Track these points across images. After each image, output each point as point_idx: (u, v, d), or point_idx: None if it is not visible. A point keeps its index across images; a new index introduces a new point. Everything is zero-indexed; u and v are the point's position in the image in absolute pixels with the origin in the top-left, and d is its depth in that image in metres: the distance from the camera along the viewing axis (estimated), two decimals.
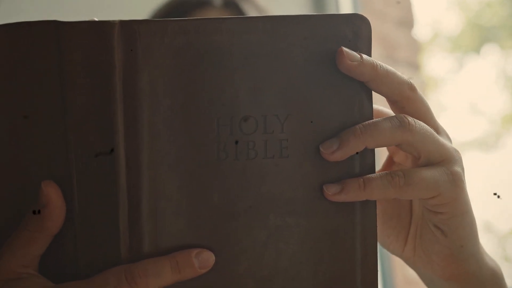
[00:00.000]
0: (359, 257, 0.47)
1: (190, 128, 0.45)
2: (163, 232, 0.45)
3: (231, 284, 0.46)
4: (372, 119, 0.46)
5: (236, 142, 0.46)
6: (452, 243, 0.48)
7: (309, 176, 0.46)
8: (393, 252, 0.53)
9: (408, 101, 0.48)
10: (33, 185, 0.46)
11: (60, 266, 0.46)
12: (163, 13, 0.96)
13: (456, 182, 0.47)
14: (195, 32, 0.45)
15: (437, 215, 0.48)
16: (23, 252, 0.45)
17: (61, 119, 0.45)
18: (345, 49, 0.45)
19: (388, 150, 0.53)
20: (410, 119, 0.46)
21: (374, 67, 0.46)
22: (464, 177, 0.47)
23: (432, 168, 0.47)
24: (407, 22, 1.58)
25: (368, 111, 0.47)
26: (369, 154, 0.47)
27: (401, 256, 0.53)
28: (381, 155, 0.55)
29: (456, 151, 0.48)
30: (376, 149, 0.47)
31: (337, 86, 0.46)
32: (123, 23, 0.44)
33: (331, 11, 1.40)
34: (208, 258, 0.46)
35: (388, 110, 0.51)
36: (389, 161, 0.54)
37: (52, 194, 0.45)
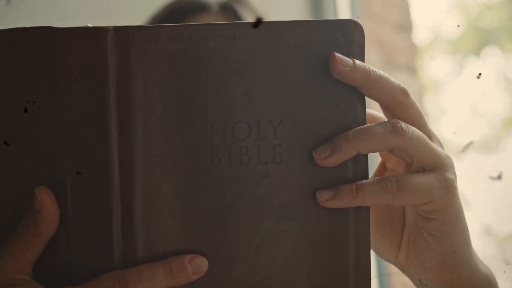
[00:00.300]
0: (352, 261, 0.47)
1: (184, 133, 0.46)
2: (157, 236, 0.46)
3: None
4: (365, 124, 0.47)
5: (229, 151, 0.46)
6: (444, 250, 0.48)
7: (303, 181, 0.46)
8: (386, 259, 0.53)
9: (400, 106, 0.48)
10: (28, 189, 0.46)
11: (53, 271, 0.46)
12: (160, 18, 0.96)
13: (448, 189, 0.47)
14: (189, 38, 0.45)
15: (429, 221, 0.48)
16: (17, 258, 0.45)
17: (56, 123, 0.45)
18: (337, 54, 0.46)
19: (381, 156, 0.54)
20: (403, 124, 0.46)
21: (366, 72, 0.46)
22: (456, 183, 0.48)
23: (424, 174, 0.47)
24: (405, 26, 1.58)
25: (361, 116, 0.47)
26: (362, 159, 0.47)
27: (394, 263, 0.53)
28: (375, 160, 0.55)
29: (448, 157, 0.48)
30: (369, 154, 0.48)
31: (330, 92, 0.46)
32: (117, 29, 0.45)
33: (329, 15, 1.41)
34: (201, 264, 0.46)
35: (382, 115, 0.51)
36: (382, 167, 0.54)
37: (46, 200, 0.45)
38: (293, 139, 0.46)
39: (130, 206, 0.45)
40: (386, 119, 0.49)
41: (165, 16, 0.96)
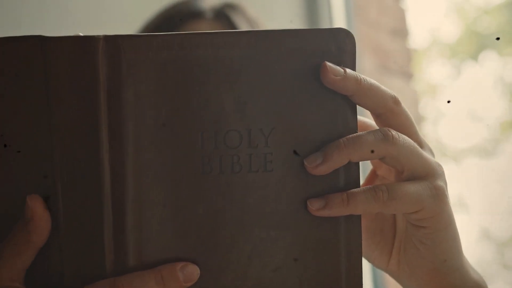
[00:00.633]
0: (344, 269, 0.47)
1: (175, 141, 0.46)
2: (148, 244, 0.46)
3: None
4: (357, 132, 0.47)
5: (220, 159, 0.46)
6: (435, 257, 0.49)
7: (294, 190, 0.47)
8: (378, 267, 0.53)
9: (392, 115, 0.48)
10: (19, 197, 0.46)
11: (45, 279, 0.47)
12: (154, 25, 0.96)
13: (439, 197, 0.47)
14: (180, 47, 0.45)
15: (420, 229, 0.48)
16: (8, 265, 0.46)
17: (47, 131, 0.45)
18: (328, 63, 0.46)
19: (372, 163, 0.54)
20: (394, 132, 0.46)
21: (357, 81, 0.46)
22: (447, 191, 0.48)
23: (415, 183, 0.47)
24: (401, 31, 1.58)
25: (352, 125, 0.47)
26: (353, 168, 0.47)
27: (386, 270, 0.53)
28: (367, 167, 0.55)
29: (439, 165, 0.48)
30: (361, 162, 0.48)
31: (322, 100, 0.47)
32: (107, 38, 0.45)
33: (324, 21, 1.40)
34: (193, 272, 0.46)
35: (373, 122, 0.51)
36: (373, 174, 0.54)
37: (37, 208, 0.45)
38: (284, 148, 0.46)
39: (121, 214, 0.45)
40: (377, 127, 0.50)
41: (159, 23, 0.96)
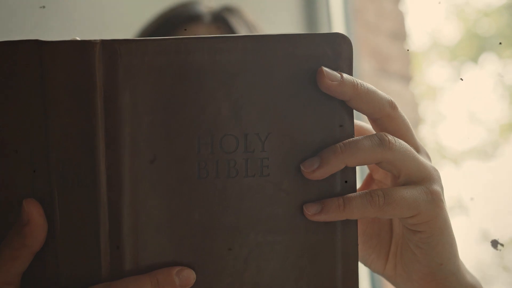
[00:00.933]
0: (340, 273, 0.47)
1: (171, 146, 0.46)
2: (144, 248, 0.46)
3: None
4: (354, 137, 0.47)
5: (217, 163, 0.46)
6: (431, 262, 0.49)
7: (290, 195, 0.47)
8: (374, 271, 0.53)
9: (388, 119, 0.48)
10: (16, 201, 0.46)
11: (41, 283, 0.47)
12: (152, 28, 0.96)
13: (435, 201, 0.47)
14: (176, 51, 0.45)
15: (416, 234, 0.48)
16: (4, 269, 0.46)
17: (43, 136, 0.45)
18: (325, 69, 0.46)
19: (369, 167, 0.54)
20: (390, 137, 0.46)
21: (354, 86, 0.46)
22: (443, 196, 0.48)
23: (411, 187, 0.47)
24: (400, 34, 1.58)
25: (349, 129, 0.47)
26: (350, 172, 0.47)
27: (382, 274, 0.53)
28: (364, 170, 0.55)
29: (435, 170, 0.48)
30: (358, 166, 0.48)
31: (318, 105, 0.47)
32: (104, 42, 0.45)
33: (323, 25, 1.40)
34: (189, 276, 0.46)
35: (370, 126, 0.51)
36: (369, 179, 0.54)
37: (34, 212, 0.45)
38: (280, 152, 0.46)
39: (118, 218, 0.45)
40: (374, 131, 0.50)
41: (157, 27, 0.96)
